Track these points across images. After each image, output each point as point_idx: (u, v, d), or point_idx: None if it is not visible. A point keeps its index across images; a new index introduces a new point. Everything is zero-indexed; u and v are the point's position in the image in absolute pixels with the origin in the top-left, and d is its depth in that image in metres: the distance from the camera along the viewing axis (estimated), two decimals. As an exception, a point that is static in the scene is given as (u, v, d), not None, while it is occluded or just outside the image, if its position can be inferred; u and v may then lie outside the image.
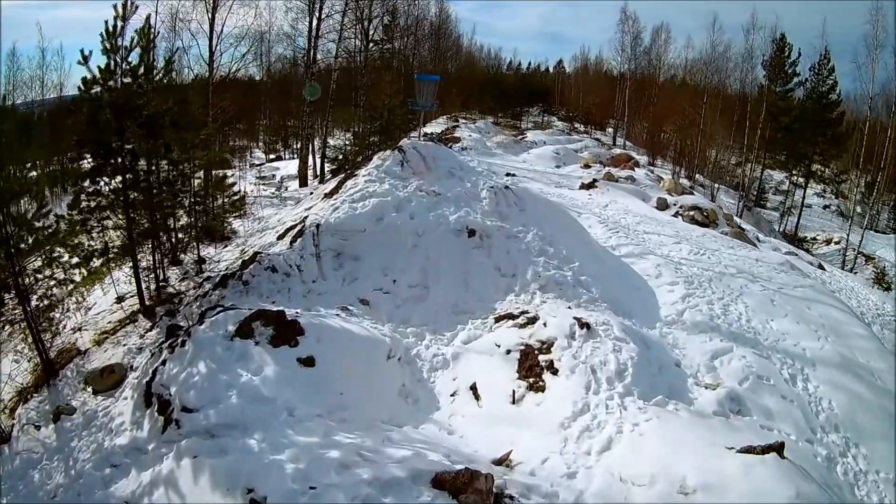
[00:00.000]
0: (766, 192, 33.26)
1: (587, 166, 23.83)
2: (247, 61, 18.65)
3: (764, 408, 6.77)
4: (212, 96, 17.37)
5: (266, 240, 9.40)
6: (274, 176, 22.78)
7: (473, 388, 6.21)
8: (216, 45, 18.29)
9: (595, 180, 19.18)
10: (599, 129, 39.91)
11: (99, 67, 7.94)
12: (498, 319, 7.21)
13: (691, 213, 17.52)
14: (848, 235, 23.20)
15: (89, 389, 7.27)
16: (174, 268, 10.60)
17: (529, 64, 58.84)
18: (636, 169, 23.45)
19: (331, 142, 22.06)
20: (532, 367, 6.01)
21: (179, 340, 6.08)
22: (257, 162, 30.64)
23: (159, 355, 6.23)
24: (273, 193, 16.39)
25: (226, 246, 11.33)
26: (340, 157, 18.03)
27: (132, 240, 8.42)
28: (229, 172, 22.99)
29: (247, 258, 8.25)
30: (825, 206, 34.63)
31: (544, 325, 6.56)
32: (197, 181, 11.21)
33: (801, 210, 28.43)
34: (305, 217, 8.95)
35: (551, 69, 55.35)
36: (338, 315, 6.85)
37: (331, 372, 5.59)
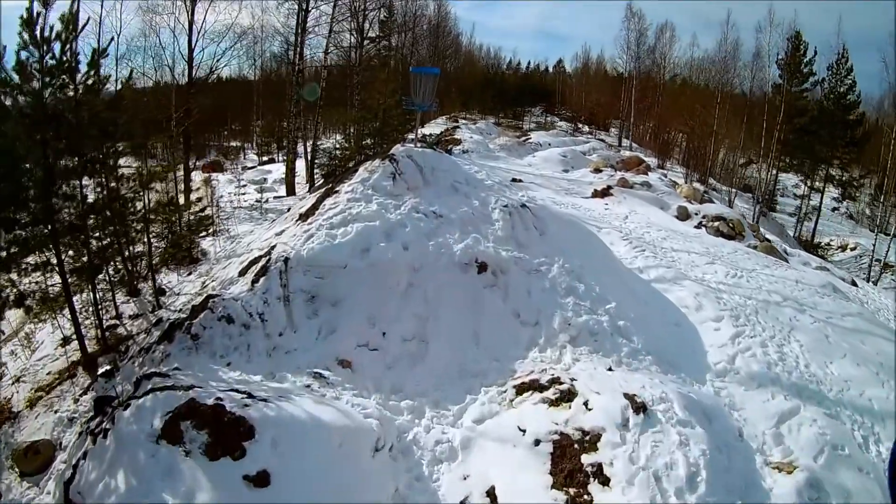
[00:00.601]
0: (776, 194, 31.89)
1: (597, 170, 22.20)
2: (233, 56, 17.30)
3: (842, 488, 5.51)
4: (188, 97, 15.94)
5: (229, 273, 7.66)
6: (265, 180, 21.30)
7: (491, 494, 4.56)
8: (196, 41, 16.90)
9: (609, 187, 17.59)
10: (603, 129, 38.47)
11: (16, 67, 6.35)
12: (520, 390, 5.48)
13: (716, 224, 15.95)
14: (874, 247, 21.82)
15: (17, 469, 6.01)
16: (132, 300, 9.07)
17: (529, 63, 57.42)
18: (649, 173, 21.90)
19: (324, 144, 20.49)
20: (573, 472, 4.34)
21: (103, 428, 4.76)
22: (250, 164, 29.22)
23: (85, 439, 5.00)
24: (252, 205, 14.60)
25: (189, 273, 9.69)
26: (331, 161, 16.39)
27: (66, 280, 6.81)
28: (219, 176, 21.69)
29: (197, 303, 6.46)
30: (834, 209, 33.34)
31: (586, 405, 4.84)
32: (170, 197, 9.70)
33: (819, 216, 27.05)
34: (273, 246, 7.14)
35: (551, 69, 54.08)
36: (308, 387, 5.21)
37: (293, 492, 3.93)
